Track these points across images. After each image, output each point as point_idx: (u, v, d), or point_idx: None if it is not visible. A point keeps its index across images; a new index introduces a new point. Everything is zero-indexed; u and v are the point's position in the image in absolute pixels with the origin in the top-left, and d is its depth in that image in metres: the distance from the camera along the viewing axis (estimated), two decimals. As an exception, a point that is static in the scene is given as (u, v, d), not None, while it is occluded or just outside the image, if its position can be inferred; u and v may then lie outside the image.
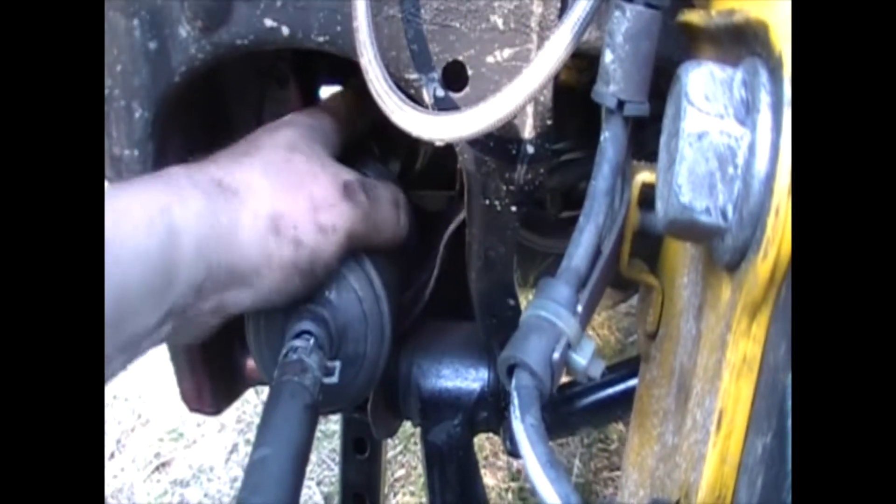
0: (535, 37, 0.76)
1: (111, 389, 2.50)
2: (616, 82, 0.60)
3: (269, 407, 0.71)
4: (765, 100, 0.48)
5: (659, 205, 0.55)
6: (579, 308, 0.58)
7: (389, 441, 2.29)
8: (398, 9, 0.76)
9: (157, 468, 2.38)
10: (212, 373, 0.98)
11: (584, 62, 0.95)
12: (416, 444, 2.30)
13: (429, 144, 1.13)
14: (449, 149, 0.84)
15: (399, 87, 0.71)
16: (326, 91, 1.23)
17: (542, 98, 0.78)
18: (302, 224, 0.77)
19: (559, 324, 0.57)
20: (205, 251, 0.70)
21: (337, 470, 1.62)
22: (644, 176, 0.65)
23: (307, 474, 2.30)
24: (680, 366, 0.65)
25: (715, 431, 0.53)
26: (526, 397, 0.53)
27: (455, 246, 0.96)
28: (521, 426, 0.51)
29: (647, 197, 0.65)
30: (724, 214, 0.50)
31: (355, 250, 0.82)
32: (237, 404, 2.29)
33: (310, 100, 1.18)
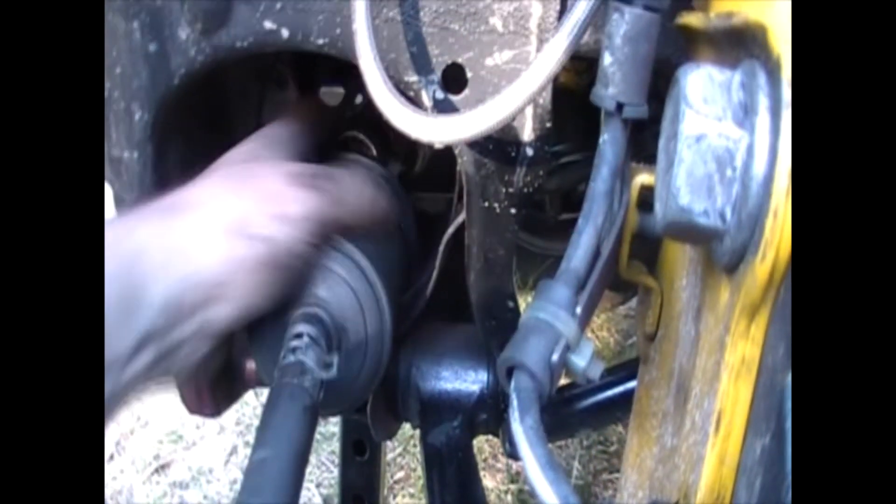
0: (534, 39, 0.76)
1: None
2: (615, 84, 0.61)
3: (269, 409, 0.71)
4: (763, 102, 0.48)
5: (658, 207, 0.56)
6: (578, 310, 0.58)
7: (389, 443, 2.29)
8: (397, 11, 0.76)
9: (156, 470, 2.38)
10: (209, 378, 0.98)
11: (582, 65, 0.95)
12: (415, 446, 2.30)
13: (428, 147, 1.14)
14: (448, 151, 0.84)
15: (398, 90, 0.71)
16: (326, 93, 1.24)
17: (541, 100, 0.78)
18: (255, 220, 0.76)
19: (558, 325, 0.57)
20: (170, 270, 0.70)
21: (336, 472, 1.62)
22: (643, 178, 0.65)
23: (306, 476, 2.30)
24: (679, 367, 0.65)
25: (713, 433, 0.53)
26: (525, 399, 0.53)
27: (454, 248, 0.96)
28: (521, 428, 0.51)
29: (646, 199, 0.65)
30: (722, 216, 0.50)
31: (337, 240, 0.82)
32: (236, 406, 2.30)
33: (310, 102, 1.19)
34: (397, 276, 0.91)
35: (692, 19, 0.63)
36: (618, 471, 2.27)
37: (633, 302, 1.51)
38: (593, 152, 0.64)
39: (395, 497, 2.28)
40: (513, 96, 0.65)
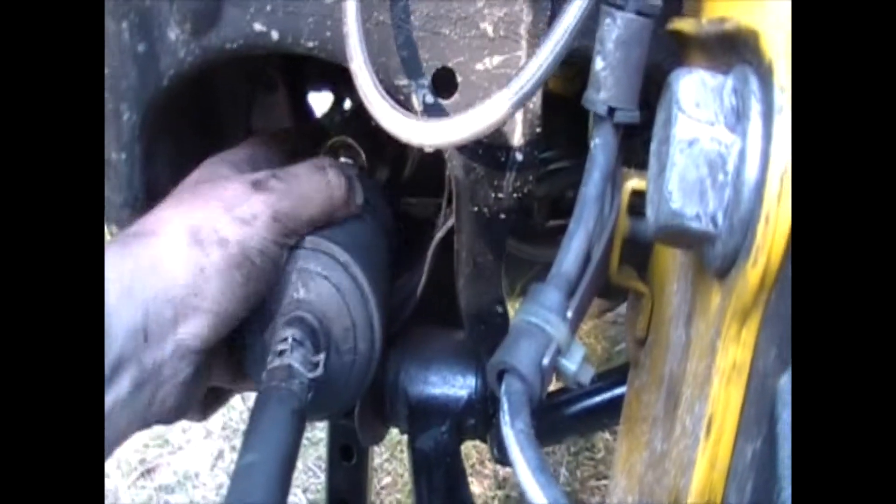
0: (524, 44, 0.76)
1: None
2: (607, 89, 0.61)
3: (256, 413, 0.71)
4: (755, 107, 0.48)
5: (649, 211, 0.56)
6: (569, 314, 0.58)
7: (376, 448, 2.28)
8: (388, 15, 0.76)
9: (142, 474, 2.37)
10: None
11: (572, 71, 0.95)
12: (402, 451, 2.30)
13: (417, 151, 1.14)
14: (437, 156, 0.84)
15: (388, 93, 0.71)
16: (315, 97, 1.24)
17: (531, 105, 0.78)
18: (221, 225, 0.76)
19: (549, 329, 0.56)
20: (135, 292, 0.69)
21: (323, 477, 1.62)
22: (634, 183, 0.65)
23: (293, 481, 2.29)
24: (669, 372, 0.65)
25: (704, 437, 0.53)
26: (516, 402, 0.53)
27: (443, 253, 0.96)
28: (511, 431, 0.51)
29: (637, 204, 0.65)
30: (714, 221, 0.50)
31: (310, 240, 0.81)
32: (223, 411, 2.29)
33: (298, 105, 1.18)
34: (378, 261, 0.90)
35: (684, 24, 0.63)
36: (605, 477, 2.27)
37: (621, 308, 1.51)
38: (582, 159, 0.64)
39: (382, 502, 2.27)
40: (502, 101, 0.65)
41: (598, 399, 1.08)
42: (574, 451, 2.37)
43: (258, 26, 0.78)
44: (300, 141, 1.04)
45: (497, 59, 0.77)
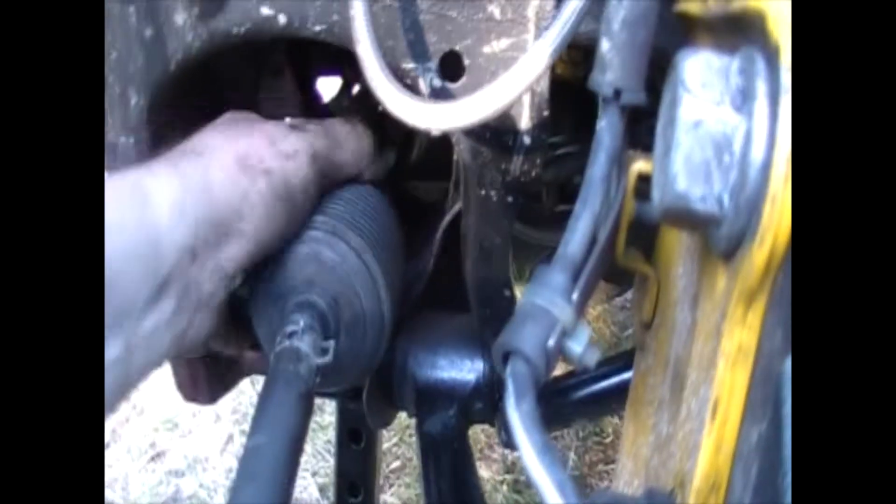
0: (531, 27, 0.76)
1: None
2: (613, 70, 0.60)
3: (264, 395, 0.71)
4: (761, 88, 0.48)
5: (655, 193, 0.55)
6: (575, 296, 0.58)
7: (385, 433, 2.29)
8: (395, -2, 0.76)
9: (152, 458, 2.38)
10: (207, 362, 0.98)
11: (579, 55, 0.95)
12: (411, 436, 2.30)
13: (424, 135, 1.13)
14: (445, 139, 0.83)
15: (395, 77, 0.71)
16: (323, 82, 1.23)
17: (538, 88, 0.78)
18: (266, 156, 0.78)
19: (554, 311, 0.56)
20: (186, 212, 0.70)
21: (332, 461, 1.62)
22: (640, 165, 0.65)
23: (302, 465, 2.30)
24: (675, 355, 0.64)
25: (710, 420, 0.53)
26: (521, 384, 0.53)
27: (451, 237, 0.96)
28: (516, 413, 0.51)
29: (644, 187, 0.65)
30: (720, 202, 0.50)
31: (325, 221, 0.82)
32: (232, 394, 2.29)
33: (305, 91, 1.18)
34: (391, 244, 0.91)
35: (690, 6, 0.63)
36: (613, 462, 2.27)
37: (630, 293, 1.51)
38: (590, 144, 0.64)
39: (391, 486, 2.28)
40: (510, 84, 0.65)
41: (606, 383, 1.07)
42: (583, 436, 2.37)
43: (265, 10, 0.78)
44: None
45: (505, 43, 0.77)
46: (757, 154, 0.48)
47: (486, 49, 0.77)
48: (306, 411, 0.72)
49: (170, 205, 0.69)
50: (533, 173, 0.82)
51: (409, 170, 1.17)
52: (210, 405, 0.98)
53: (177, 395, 0.99)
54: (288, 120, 0.85)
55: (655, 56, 0.62)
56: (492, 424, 1.09)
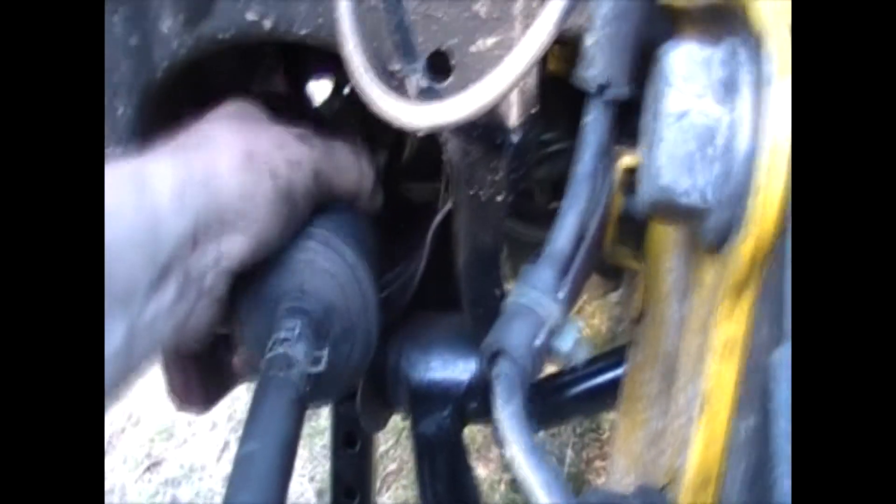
0: (518, 24, 0.76)
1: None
2: (597, 65, 0.60)
3: (256, 402, 0.71)
4: (745, 79, 0.48)
5: (640, 187, 0.55)
6: (562, 293, 0.58)
7: (381, 435, 2.29)
8: (381, -1, 0.76)
9: (148, 468, 2.38)
10: (200, 369, 0.97)
11: (570, 51, 0.94)
12: (407, 438, 2.30)
13: (415, 135, 1.13)
14: (435, 139, 0.83)
15: (382, 78, 0.71)
16: (314, 85, 1.23)
17: (526, 86, 0.77)
18: (273, 158, 0.77)
19: (541, 310, 0.56)
20: (187, 200, 0.70)
21: (329, 465, 1.62)
22: (627, 160, 0.65)
23: (299, 470, 2.30)
24: (665, 350, 0.64)
25: (699, 415, 0.53)
26: (508, 385, 0.53)
27: (442, 237, 0.96)
28: (503, 414, 0.51)
29: (631, 181, 0.65)
30: (705, 195, 0.50)
31: (315, 232, 0.82)
32: (228, 402, 2.29)
33: (297, 95, 1.18)
34: (376, 258, 0.90)
35: (674, -2, 0.63)
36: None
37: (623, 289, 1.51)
38: (581, 140, 0.64)
39: (388, 489, 2.28)
40: (496, 81, 0.65)
41: (601, 379, 1.07)
42: (580, 432, 2.37)
43: (251, 15, 0.78)
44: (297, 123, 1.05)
45: (491, 41, 0.76)
46: (741, 145, 0.48)
47: (473, 48, 0.76)
48: (299, 417, 0.72)
49: (170, 192, 0.69)
50: (523, 171, 0.81)
51: (401, 171, 1.17)
52: (204, 414, 0.98)
53: (171, 405, 0.99)
54: (294, 129, 0.84)
55: (645, 49, 0.62)
56: (487, 424, 1.09)
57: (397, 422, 1.88)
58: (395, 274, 1.03)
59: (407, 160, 1.17)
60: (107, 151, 0.85)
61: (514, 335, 0.55)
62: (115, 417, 2.48)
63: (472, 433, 2.31)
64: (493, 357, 0.56)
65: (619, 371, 1.02)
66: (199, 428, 2.47)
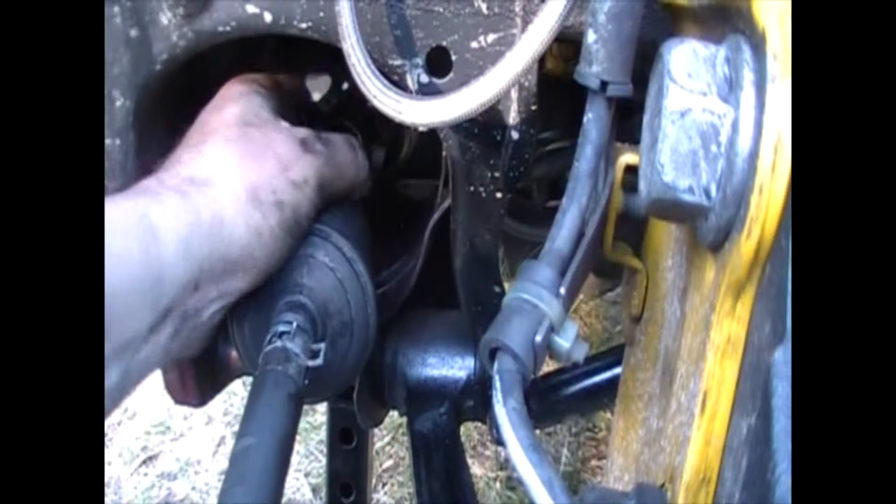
0: (519, 21, 0.75)
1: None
2: (599, 62, 0.60)
3: (253, 396, 0.71)
4: (748, 77, 0.48)
5: (642, 184, 0.55)
6: (562, 290, 0.58)
7: (377, 432, 2.29)
8: (381, -7, 0.76)
9: (143, 462, 2.37)
10: (196, 364, 0.97)
11: (570, 51, 0.94)
12: (404, 434, 2.30)
13: (413, 132, 1.13)
14: (434, 137, 0.83)
15: (383, 73, 0.71)
16: (312, 82, 1.23)
17: (526, 83, 0.77)
18: (278, 186, 0.77)
19: (541, 306, 0.56)
20: (192, 248, 0.70)
21: (325, 461, 1.62)
22: (627, 158, 0.64)
23: (294, 466, 2.30)
24: (664, 349, 0.64)
25: (699, 413, 0.52)
26: (508, 381, 0.53)
27: (441, 234, 0.96)
28: (503, 410, 0.51)
29: (631, 179, 0.65)
30: (707, 193, 0.50)
31: (315, 227, 0.82)
32: (224, 396, 2.29)
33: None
34: (370, 253, 0.90)
35: (676, -4, 0.63)
36: (606, 457, 2.27)
37: (621, 289, 1.51)
38: (580, 138, 0.64)
39: (384, 486, 2.28)
40: (497, 78, 0.65)
41: (598, 378, 1.07)
42: (575, 432, 2.37)
43: (251, 8, 0.78)
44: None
45: (492, 37, 0.76)
46: (744, 143, 0.47)
47: (474, 44, 0.76)
48: (296, 412, 0.72)
49: (176, 241, 0.69)
50: (522, 168, 0.81)
51: (399, 168, 1.17)
52: (200, 408, 0.98)
53: (168, 399, 0.98)
54: (298, 134, 0.83)
55: (646, 49, 0.62)
56: (483, 422, 1.09)
57: (393, 418, 1.87)
58: (393, 270, 1.03)
59: (405, 157, 1.17)
60: (105, 144, 0.84)
61: (515, 331, 0.55)
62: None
63: (468, 430, 2.31)
64: (493, 352, 0.55)
65: (615, 371, 1.02)
66: (195, 422, 2.47)
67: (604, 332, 2.60)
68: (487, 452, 2.32)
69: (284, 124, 0.85)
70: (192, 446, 2.41)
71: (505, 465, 2.28)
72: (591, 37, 0.60)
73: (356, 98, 0.98)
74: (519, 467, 0.48)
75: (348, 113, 1.07)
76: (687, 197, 0.50)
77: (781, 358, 0.45)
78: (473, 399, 1.03)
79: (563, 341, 0.57)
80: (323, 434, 2.22)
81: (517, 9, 0.75)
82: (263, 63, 1.09)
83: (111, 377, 0.66)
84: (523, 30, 0.75)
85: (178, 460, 2.38)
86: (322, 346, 0.76)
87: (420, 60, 0.77)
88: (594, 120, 0.61)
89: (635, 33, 0.60)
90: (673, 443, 0.58)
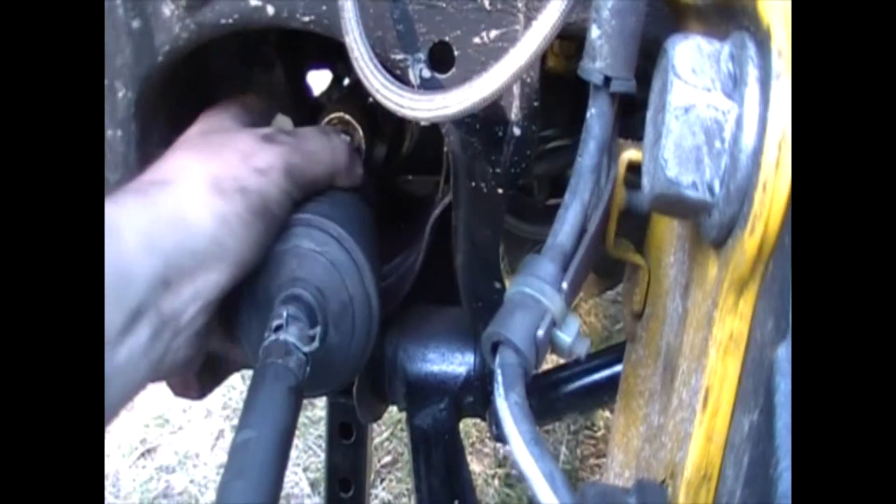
0: (521, 17, 0.75)
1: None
2: (602, 58, 0.60)
3: (253, 389, 0.70)
4: (752, 73, 0.48)
5: (645, 180, 0.55)
6: (564, 285, 0.58)
7: (376, 427, 2.29)
8: (384, -12, 0.76)
9: (142, 454, 2.38)
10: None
11: (572, 48, 0.94)
12: (402, 430, 2.30)
13: (415, 128, 1.13)
14: (436, 132, 0.83)
15: (385, 68, 0.71)
16: (314, 76, 1.23)
17: (528, 79, 0.77)
18: (240, 174, 0.77)
19: (544, 301, 0.56)
20: (155, 242, 0.69)
21: (324, 456, 1.62)
22: (630, 154, 0.64)
23: (293, 460, 2.30)
24: (666, 345, 0.64)
25: (701, 409, 0.52)
26: (510, 375, 0.53)
27: (442, 230, 0.96)
28: (505, 404, 0.51)
29: (633, 175, 0.65)
30: (710, 189, 0.50)
31: (301, 217, 0.82)
32: (223, 390, 2.29)
33: (296, 85, 1.18)
34: (370, 236, 0.90)
35: (681, -7, 0.63)
36: (605, 455, 2.27)
37: (621, 287, 1.51)
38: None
39: (382, 481, 2.28)
40: (500, 73, 0.64)
41: (597, 376, 1.07)
42: (574, 430, 2.37)
43: (254, 1, 0.78)
44: (296, 118, 1.04)
45: (494, 33, 0.76)
46: (748, 140, 0.47)
47: (476, 39, 0.76)
48: (295, 405, 0.71)
49: (137, 236, 0.68)
50: (523, 164, 0.81)
51: (401, 163, 1.16)
52: (200, 400, 0.98)
53: (167, 391, 0.98)
54: (261, 131, 0.83)
55: (648, 46, 0.62)
56: (483, 418, 1.09)
57: (393, 414, 1.88)
58: (394, 266, 1.03)
59: (407, 152, 1.17)
60: (106, 134, 0.84)
61: (517, 325, 0.55)
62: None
63: (467, 427, 2.31)
64: (495, 346, 0.55)
65: (614, 368, 1.02)
66: (193, 415, 2.47)
67: (603, 330, 2.61)
68: (486, 449, 2.33)
69: (247, 128, 0.85)
70: (191, 439, 2.42)
71: (503, 462, 2.28)
72: (594, 32, 0.60)
73: (357, 93, 0.98)
74: (521, 462, 0.48)
75: (349, 108, 1.07)
76: (690, 193, 0.50)
77: (784, 354, 0.45)
78: (473, 395, 1.03)
79: (566, 336, 0.57)
80: (322, 429, 2.23)
81: (520, 5, 0.75)
82: (265, 56, 1.09)
83: None
84: (526, 26, 0.75)
85: (177, 453, 2.38)
86: (317, 329, 0.76)
87: (422, 55, 0.77)
88: (597, 116, 0.61)
89: (639, 29, 0.60)
90: (674, 439, 0.58)
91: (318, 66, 1.24)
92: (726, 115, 0.49)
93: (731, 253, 0.49)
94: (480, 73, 0.66)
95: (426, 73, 0.77)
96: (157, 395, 2.43)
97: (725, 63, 0.50)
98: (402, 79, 0.77)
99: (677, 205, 0.51)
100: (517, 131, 0.79)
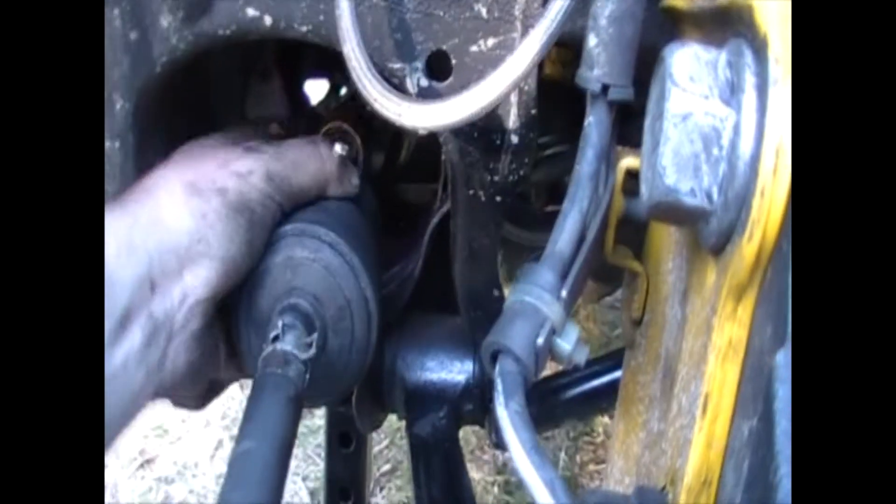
0: (518, 25, 0.76)
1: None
2: (600, 66, 0.60)
3: (253, 400, 0.70)
4: (750, 80, 0.48)
5: (643, 187, 0.55)
6: (563, 293, 0.58)
7: (376, 436, 2.28)
8: (382, -3, 0.76)
9: (141, 465, 2.37)
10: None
11: (569, 55, 0.94)
12: (402, 438, 2.30)
13: (413, 136, 1.13)
14: (434, 141, 0.83)
15: (383, 77, 0.71)
16: (311, 86, 1.23)
17: (526, 87, 0.77)
18: (219, 177, 0.77)
19: (543, 309, 0.56)
20: (135, 244, 0.70)
21: (323, 465, 1.62)
22: (629, 161, 0.65)
23: (293, 470, 2.30)
24: (665, 351, 0.64)
25: (701, 416, 0.52)
26: (510, 383, 0.53)
27: (440, 238, 0.96)
28: (506, 412, 0.51)
29: (632, 182, 0.65)
30: (709, 196, 0.50)
31: (293, 227, 0.82)
32: (222, 400, 2.28)
33: (294, 95, 1.18)
34: (366, 242, 0.90)
35: (677, 1, 0.63)
36: (604, 462, 2.27)
37: (619, 293, 1.51)
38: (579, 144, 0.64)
39: (382, 490, 2.27)
40: (497, 82, 0.65)
41: (596, 383, 1.08)
42: (573, 436, 2.37)
43: (251, 11, 0.78)
44: (294, 128, 1.04)
45: (492, 41, 0.76)
46: (745, 147, 0.48)
47: (474, 48, 0.76)
48: (295, 415, 0.71)
49: (116, 241, 0.68)
50: (521, 173, 0.81)
51: (398, 172, 1.17)
52: (199, 411, 0.98)
53: (166, 401, 0.98)
54: (244, 143, 0.83)
55: (646, 53, 0.62)
56: (482, 426, 1.09)
57: (392, 422, 1.87)
58: (393, 274, 1.03)
59: (405, 161, 1.17)
60: (105, 147, 0.84)
61: (517, 333, 0.55)
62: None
63: (466, 435, 2.31)
64: (495, 355, 0.55)
65: (613, 374, 1.02)
66: (192, 425, 2.46)
67: (602, 336, 2.60)
68: (485, 456, 2.32)
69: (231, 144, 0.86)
70: (190, 449, 2.41)
71: (503, 469, 2.28)
72: (592, 41, 0.60)
73: (355, 102, 0.98)
74: (521, 469, 0.48)
75: (347, 117, 1.07)
76: (688, 200, 0.50)
77: (783, 361, 0.45)
78: (472, 403, 1.03)
79: (565, 343, 0.57)
80: (321, 437, 2.22)
81: (517, 13, 0.75)
82: (262, 66, 1.09)
83: None
84: (523, 34, 0.75)
85: (176, 463, 2.38)
86: (314, 336, 0.76)
87: (420, 64, 0.77)
88: (595, 123, 0.61)
89: (636, 37, 0.60)
90: (674, 445, 0.58)
91: (316, 76, 1.24)
92: (724, 123, 0.49)
93: (730, 259, 0.49)
94: (478, 81, 0.66)
95: (424, 82, 0.77)
96: (156, 405, 2.42)
97: (723, 70, 0.50)
98: (399, 88, 0.77)
99: (676, 212, 0.52)
100: (515, 139, 0.79)
